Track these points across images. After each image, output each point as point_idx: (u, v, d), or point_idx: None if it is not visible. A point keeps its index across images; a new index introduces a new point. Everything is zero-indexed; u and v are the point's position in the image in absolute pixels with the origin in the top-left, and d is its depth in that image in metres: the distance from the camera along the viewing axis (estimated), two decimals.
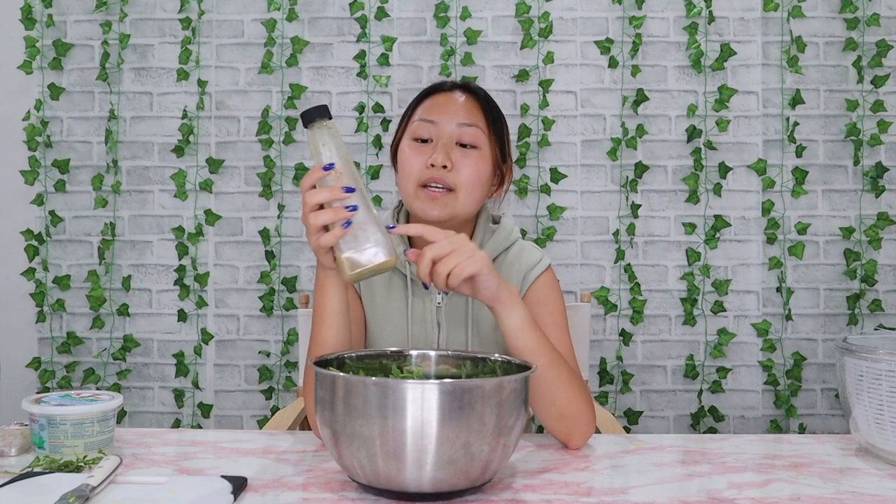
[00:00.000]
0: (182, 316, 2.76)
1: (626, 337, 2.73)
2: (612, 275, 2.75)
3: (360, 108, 2.74)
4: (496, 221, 1.44)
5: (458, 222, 1.34)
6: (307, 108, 1.11)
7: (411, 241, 1.40)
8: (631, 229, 2.73)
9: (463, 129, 1.31)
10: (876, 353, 1.07)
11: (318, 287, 1.18)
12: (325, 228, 1.08)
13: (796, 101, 2.71)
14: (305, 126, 1.09)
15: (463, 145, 1.31)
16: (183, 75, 2.75)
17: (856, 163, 2.73)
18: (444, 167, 1.28)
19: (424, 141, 1.32)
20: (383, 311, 1.38)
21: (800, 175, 2.72)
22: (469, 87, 1.38)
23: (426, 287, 1.11)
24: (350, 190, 1.07)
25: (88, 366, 2.77)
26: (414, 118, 1.35)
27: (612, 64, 2.73)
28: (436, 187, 1.29)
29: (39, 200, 2.76)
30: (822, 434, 1.38)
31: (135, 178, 2.78)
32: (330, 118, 1.10)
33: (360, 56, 2.74)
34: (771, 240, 2.73)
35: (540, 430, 2.70)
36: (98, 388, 2.64)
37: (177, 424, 2.77)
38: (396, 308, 1.38)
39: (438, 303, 1.37)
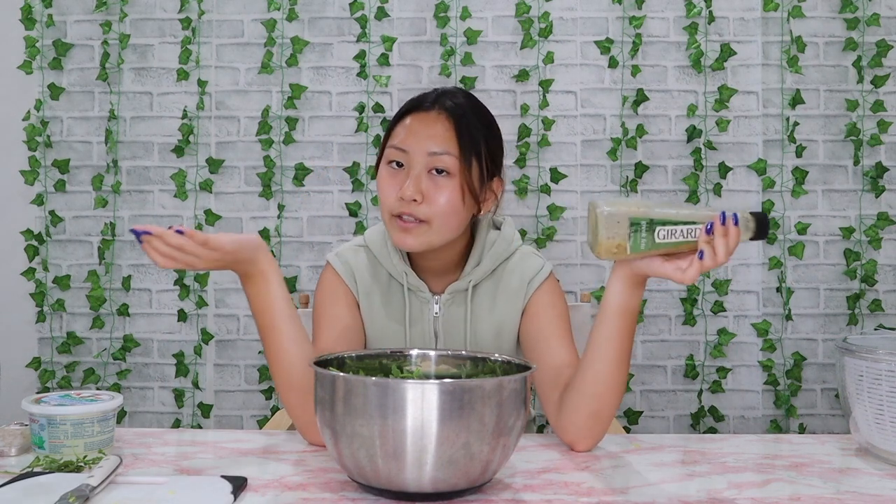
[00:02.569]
0: (182, 316, 2.76)
1: None
2: None
3: (360, 108, 2.74)
4: (497, 226, 1.43)
5: (433, 249, 1.31)
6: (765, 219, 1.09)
7: (411, 259, 1.39)
8: None
9: (434, 158, 1.27)
10: (876, 353, 1.07)
11: (254, 280, 1.20)
12: None
13: (796, 101, 2.71)
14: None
15: (436, 172, 1.27)
16: (183, 75, 2.75)
17: (856, 163, 2.73)
18: (415, 200, 1.25)
19: (400, 165, 1.29)
20: (381, 320, 1.38)
21: (800, 175, 2.72)
22: (446, 106, 1.30)
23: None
24: (143, 233, 1.08)
25: (88, 366, 2.77)
26: (391, 140, 1.32)
27: (612, 64, 2.73)
28: (407, 219, 1.27)
29: (39, 200, 2.76)
30: (822, 434, 1.38)
31: (135, 178, 2.78)
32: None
33: (360, 56, 2.74)
34: (771, 240, 2.73)
35: (540, 430, 2.70)
36: (98, 388, 2.64)
37: (177, 424, 2.77)
38: (394, 317, 1.38)
39: (436, 313, 1.37)
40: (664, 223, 1.05)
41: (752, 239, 1.08)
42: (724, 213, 1.05)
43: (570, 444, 1.19)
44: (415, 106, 1.33)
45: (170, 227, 1.09)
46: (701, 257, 1.05)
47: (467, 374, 1.09)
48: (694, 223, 1.05)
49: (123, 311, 2.76)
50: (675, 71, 2.75)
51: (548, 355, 1.30)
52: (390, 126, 1.34)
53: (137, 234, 1.08)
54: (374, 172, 2.73)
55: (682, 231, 1.05)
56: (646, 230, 1.05)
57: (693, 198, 2.72)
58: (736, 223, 1.05)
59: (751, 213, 1.07)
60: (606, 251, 1.05)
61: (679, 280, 1.07)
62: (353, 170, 2.74)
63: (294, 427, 1.57)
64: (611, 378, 1.15)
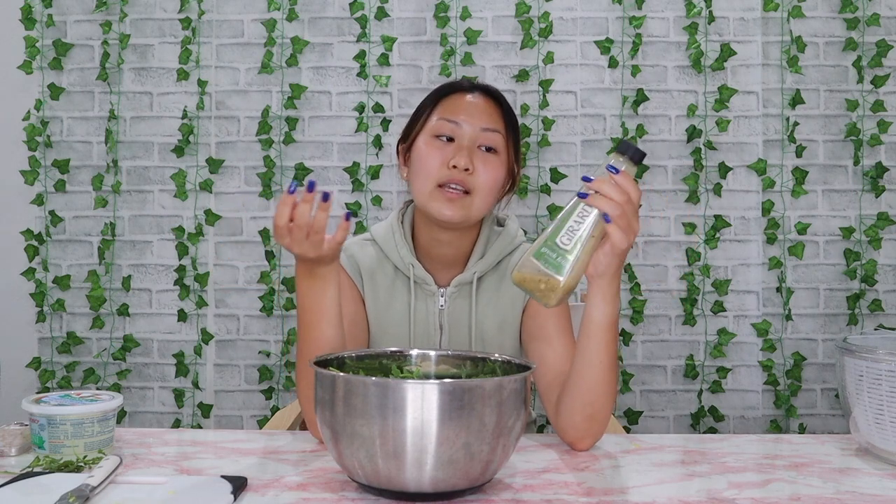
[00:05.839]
0: (182, 316, 2.76)
1: (626, 337, 2.73)
2: None
3: (360, 108, 2.74)
4: (501, 223, 1.44)
5: (467, 225, 1.34)
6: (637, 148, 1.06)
7: (417, 250, 1.39)
8: None
9: (486, 134, 1.32)
10: (876, 353, 1.07)
11: (318, 282, 1.14)
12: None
13: (796, 101, 2.71)
14: (637, 161, 1.06)
15: (485, 149, 1.31)
16: (183, 75, 2.75)
17: (856, 163, 2.72)
18: (466, 170, 1.28)
19: (450, 139, 1.31)
20: (386, 313, 1.39)
21: (800, 175, 2.72)
22: (488, 90, 1.37)
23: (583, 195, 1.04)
24: (312, 188, 1.06)
25: (88, 366, 2.77)
26: (433, 116, 1.34)
27: (612, 64, 2.73)
28: (454, 188, 1.29)
29: (39, 200, 2.76)
30: (822, 434, 1.38)
31: (135, 178, 2.78)
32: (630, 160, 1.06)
33: (360, 56, 2.74)
34: (771, 240, 2.73)
35: (540, 430, 2.70)
36: (98, 388, 2.64)
37: (177, 424, 2.77)
38: (399, 310, 1.38)
39: (441, 305, 1.37)
40: (558, 231, 1.03)
41: (636, 164, 1.06)
42: (585, 176, 1.05)
43: (571, 444, 1.19)
44: (453, 88, 1.37)
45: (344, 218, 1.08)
46: (607, 220, 1.03)
47: (467, 374, 1.09)
48: (578, 205, 1.04)
49: (123, 311, 2.76)
50: (675, 71, 2.75)
51: (548, 353, 1.31)
52: (428, 107, 1.37)
53: (311, 185, 1.05)
54: (375, 172, 2.73)
55: (575, 221, 1.03)
56: (551, 250, 1.02)
57: (693, 198, 2.72)
58: (614, 170, 1.04)
59: (615, 150, 1.06)
60: (552, 296, 1.03)
61: (617, 247, 1.04)
62: (353, 170, 2.74)
63: (293, 427, 1.57)
64: (602, 384, 1.15)
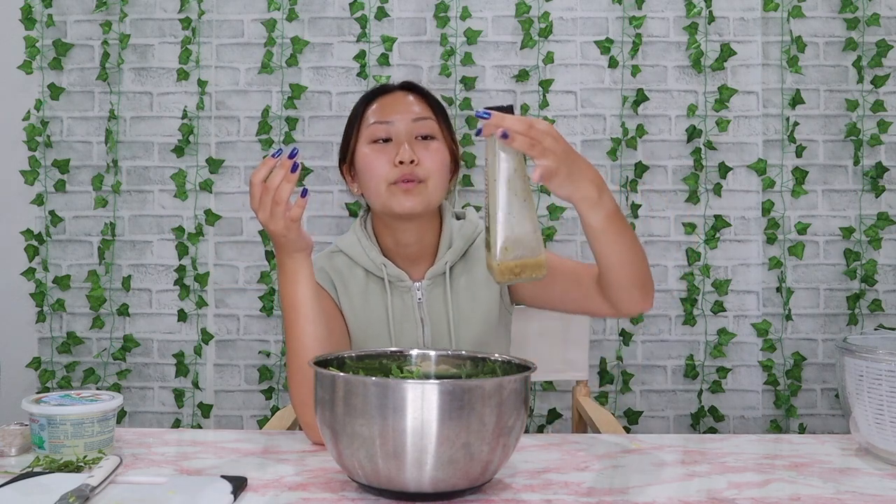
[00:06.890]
0: (182, 316, 2.76)
1: (626, 337, 2.73)
2: None
3: None
4: (460, 217, 1.49)
5: (428, 216, 1.38)
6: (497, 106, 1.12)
7: (383, 249, 1.41)
8: None
9: (419, 123, 1.36)
10: (876, 353, 1.07)
11: (288, 275, 1.19)
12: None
13: (796, 101, 2.71)
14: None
15: (422, 138, 1.35)
16: (183, 75, 2.75)
17: (856, 163, 2.72)
18: (412, 162, 1.31)
19: (386, 141, 1.35)
20: (364, 317, 1.40)
21: (800, 175, 2.72)
22: (408, 85, 1.43)
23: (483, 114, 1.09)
24: (293, 154, 1.10)
25: (88, 366, 2.77)
26: (365, 123, 1.38)
27: (612, 64, 2.73)
28: (408, 180, 1.32)
29: (39, 200, 2.76)
30: (822, 434, 1.38)
31: (135, 178, 2.78)
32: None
33: (360, 56, 2.74)
34: (771, 240, 2.73)
35: (540, 430, 2.70)
36: (98, 388, 2.64)
37: (177, 424, 2.77)
38: (377, 311, 1.40)
39: (419, 299, 1.39)
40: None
41: None
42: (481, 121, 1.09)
43: (637, 310, 1.27)
44: (377, 93, 1.42)
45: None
46: (505, 136, 1.08)
47: (467, 374, 1.10)
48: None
49: (123, 311, 2.76)
50: (675, 71, 2.75)
51: (564, 278, 1.37)
52: (357, 116, 1.41)
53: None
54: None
55: (485, 199, 1.08)
56: (486, 233, 1.08)
57: (693, 198, 2.72)
58: (487, 114, 1.10)
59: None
60: (503, 271, 1.07)
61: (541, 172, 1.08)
62: None
63: (293, 427, 1.57)
64: (636, 261, 1.22)
